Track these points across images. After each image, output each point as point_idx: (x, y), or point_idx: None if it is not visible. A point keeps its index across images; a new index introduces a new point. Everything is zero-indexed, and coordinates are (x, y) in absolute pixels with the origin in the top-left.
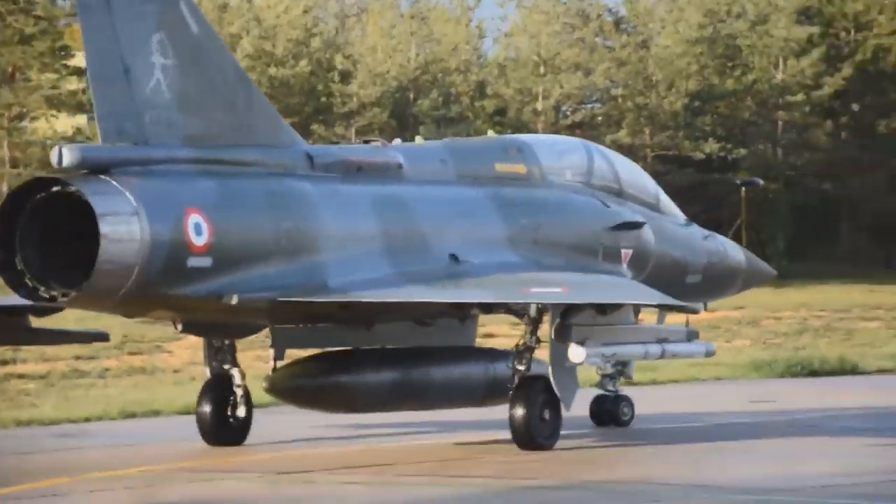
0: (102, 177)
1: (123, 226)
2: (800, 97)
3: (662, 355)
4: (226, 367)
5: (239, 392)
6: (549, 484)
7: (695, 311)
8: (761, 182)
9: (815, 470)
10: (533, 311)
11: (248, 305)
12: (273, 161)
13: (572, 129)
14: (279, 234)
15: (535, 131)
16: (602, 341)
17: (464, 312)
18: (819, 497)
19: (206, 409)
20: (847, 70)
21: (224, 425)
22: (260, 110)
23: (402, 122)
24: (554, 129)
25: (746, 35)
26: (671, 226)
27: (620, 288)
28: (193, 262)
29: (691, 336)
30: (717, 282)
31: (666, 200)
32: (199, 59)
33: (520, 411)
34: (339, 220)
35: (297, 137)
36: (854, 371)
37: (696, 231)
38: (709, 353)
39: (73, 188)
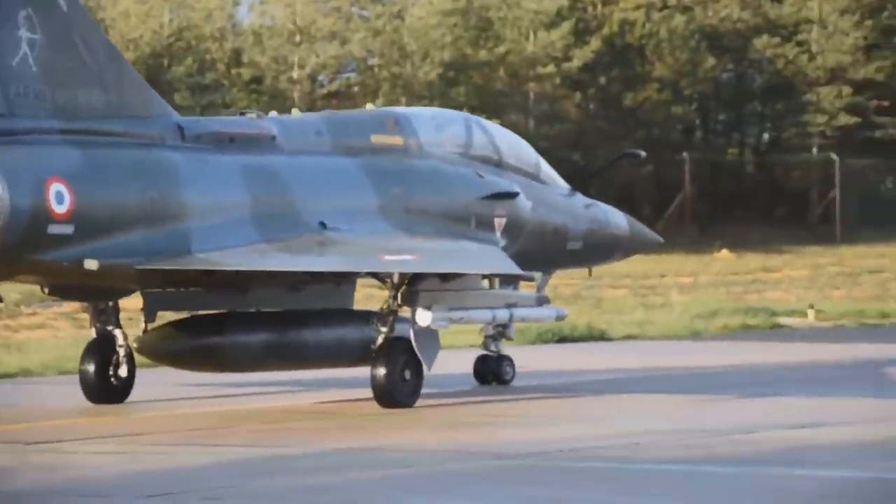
0: None
1: None
2: (550, 69)
3: (511, 319)
4: (109, 328)
5: (121, 352)
6: (297, 452)
7: (531, 279)
8: (643, 154)
9: (565, 434)
10: (396, 276)
11: (108, 271)
12: (142, 132)
13: (329, 99)
14: (143, 203)
15: (292, 100)
16: (449, 306)
17: (340, 277)
18: (567, 460)
19: (90, 368)
20: (595, 43)
21: (106, 384)
22: (130, 85)
23: (156, 88)
24: (311, 98)
25: (498, 7)
26: (552, 195)
27: (467, 257)
28: (54, 229)
29: (541, 301)
30: (599, 248)
31: (548, 170)
32: (68, 36)
33: (381, 371)
34: (207, 190)
35: (169, 110)
36: (602, 337)
37: (579, 200)
38: (559, 317)
39: None
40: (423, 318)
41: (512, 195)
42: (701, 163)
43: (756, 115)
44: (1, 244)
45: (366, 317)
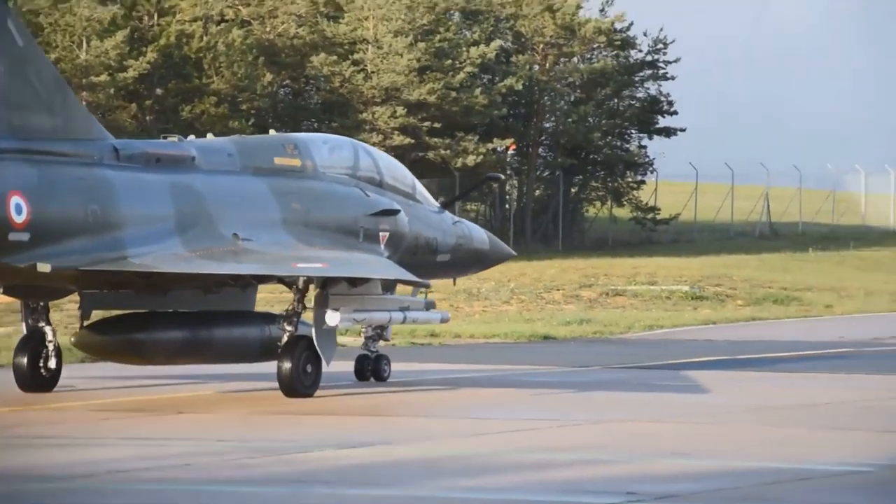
0: None
1: None
2: (104, 78)
3: (404, 321)
4: (40, 324)
5: (50, 346)
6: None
7: (426, 286)
8: (503, 176)
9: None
10: (300, 282)
11: (58, 273)
12: (84, 153)
13: None
14: (87, 214)
15: None
16: (353, 308)
17: (243, 282)
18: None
19: (22, 360)
20: (152, 54)
21: (36, 375)
22: (74, 111)
23: None
24: None
25: (48, 12)
26: (425, 212)
27: (369, 265)
28: (14, 236)
29: (429, 306)
30: (464, 261)
31: (421, 190)
32: (23, 67)
33: (286, 365)
34: (139, 203)
35: (106, 134)
36: None
37: (447, 217)
38: (444, 320)
39: None
40: (333, 318)
41: (394, 212)
42: None
43: (313, 132)
44: None
45: (268, 318)
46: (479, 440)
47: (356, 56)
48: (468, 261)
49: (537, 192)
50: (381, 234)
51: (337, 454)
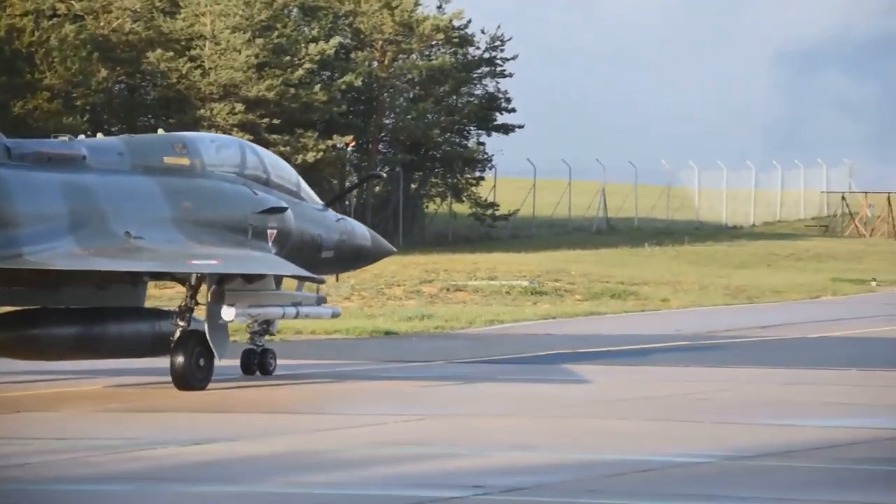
0: None
1: None
2: None
3: (297, 316)
4: None
5: None
6: None
7: (321, 282)
8: (384, 175)
9: None
10: (193, 278)
11: None
12: None
13: None
14: None
15: None
16: (248, 303)
17: (136, 279)
18: None
19: None
20: None
21: None
22: None
23: None
24: None
25: None
26: (310, 210)
27: (264, 261)
28: None
29: (320, 301)
30: (348, 257)
31: (306, 188)
32: None
33: (179, 359)
34: (32, 202)
35: None
36: None
37: (331, 214)
38: (335, 315)
39: None
40: (228, 313)
41: (282, 209)
42: None
43: (150, 129)
44: None
45: (158, 314)
46: (327, 435)
47: (193, 52)
48: (351, 257)
49: (377, 189)
50: (268, 231)
51: (184, 450)
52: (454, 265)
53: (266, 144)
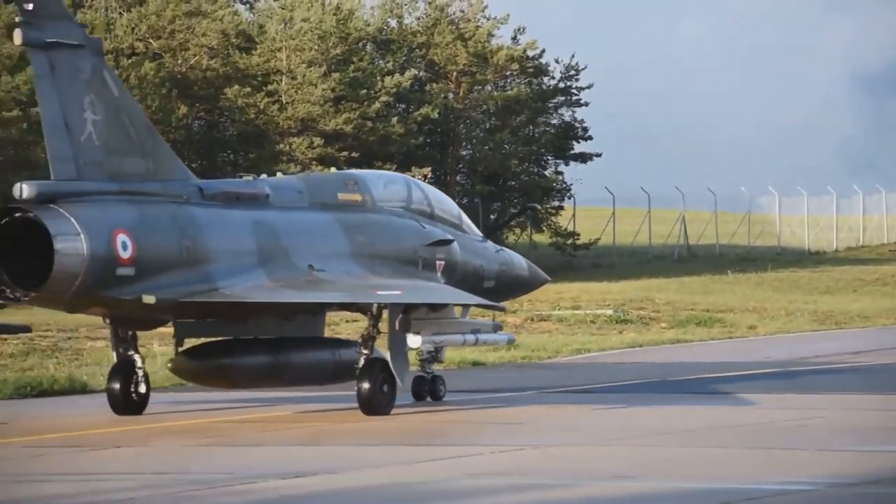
0: (51, 206)
1: (70, 244)
2: (16, 113)
3: (476, 342)
4: (130, 353)
5: (140, 373)
6: None
7: (503, 310)
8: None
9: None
10: (375, 308)
11: (161, 304)
12: (174, 192)
13: None
14: (182, 249)
15: None
16: (433, 331)
17: (319, 310)
18: None
19: (115, 386)
20: None
21: (128, 400)
22: (162, 153)
23: None
24: None
25: None
26: (471, 241)
27: (443, 291)
28: (121, 271)
29: (496, 328)
30: (508, 286)
31: (467, 221)
32: (118, 115)
33: (365, 385)
34: (224, 239)
35: (189, 174)
36: (84, 390)
37: (490, 245)
38: (510, 341)
39: (31, 214)
40: (414, 341)
41: (448, 241)
42: None
43: (230, 164)
44: (83, 284)
45: (339, 343)
46: (427, 466)
47: (270, 87)
48: (511, 286)
49: None
50: (437, 262)
51: (284, 483)
52: (537, 295)
53: None
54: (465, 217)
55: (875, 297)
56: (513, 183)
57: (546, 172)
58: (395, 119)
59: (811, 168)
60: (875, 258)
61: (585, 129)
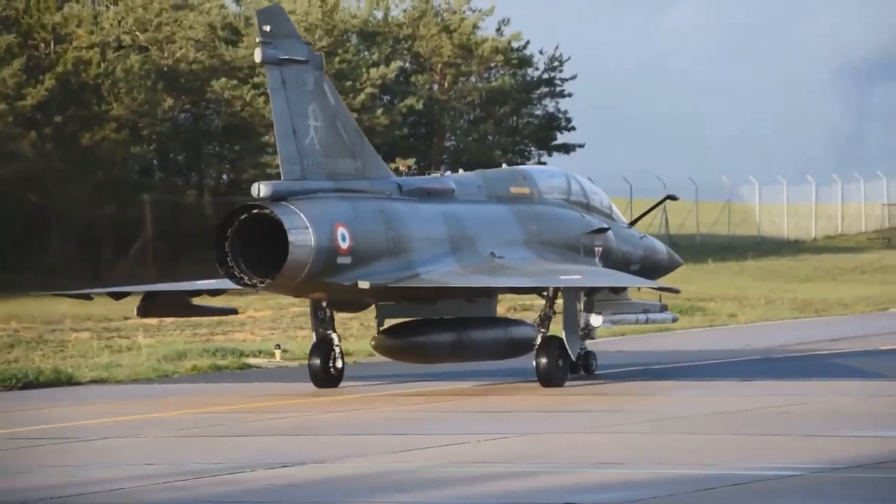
0: (284, 203)
1: (301, 236)
2: (2, 107)
3: (647, 321)
4: (328, 332)
5: (337, 350)
6: None
7: (677, 292)
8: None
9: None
10: (551, 291)
11: (373, 289)
12: (378, 189)
13: None
14: (388, 240)
15: None
16: (612, 311)
17: (496, 293)
18: None
19: (316, 362)
20: (49, 81)
21: (327, 374)
22: (368, 154)
23: None
24: None
25: None
26: (620, 229)
27: (619, 276)
28: (340, 260)
29: (663, 309)
30: (650, 269)
31: (615, 210)
32: (334, 122)
33: (543, 360)
34: (422, 230)
35: (388, 172)
36: (70, 381)
37: (635, 233)
38: (674, 320)
39: (267, 211)
40: (596, 320)
41: (605, 230)
42: (160, 204)
43: (215, 156)
44: (310, 272)
45: (510, 322)
46: (414, 455)
47: (256, 80)
48: (653, 269)
49: None
50: (595, 248)
51: (269, 473)
52: None
53: None
54: (614, 207)
55: (853, 284)
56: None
57: (530, 163)
58: (379, 110)
59: (791, 157)
60: (853, 246)
61: (569, 120)
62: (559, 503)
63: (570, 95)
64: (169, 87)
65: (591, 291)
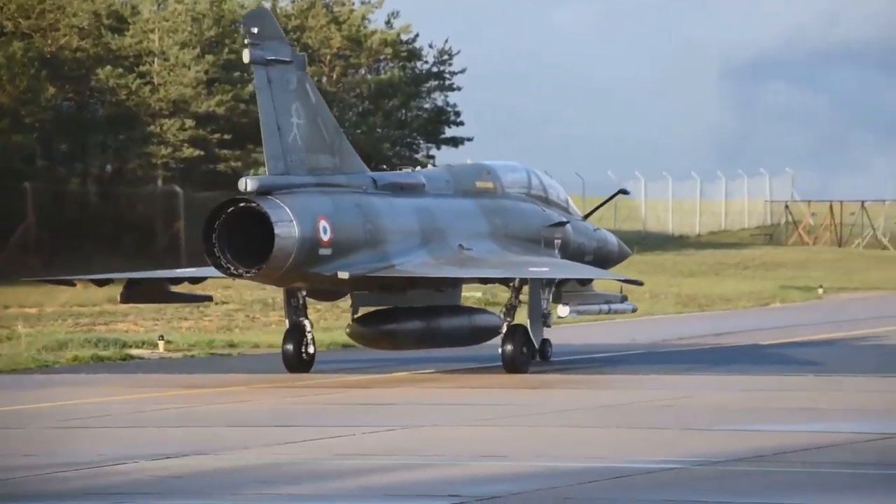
0: (269, 197)
1: (286, 229)
2: None
3: (609, 311)
4: (301, 319)
5: (309, 336)
6: None
7: (640, 284)
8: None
9: None
10: (518, 282)
11: (351, 279)
12: (356, 184)
13: None
14: (365, 233)
15: None
16: (577, 302)
17: (461, 283)
18: None
19: (289, 347)
20: None
21: (299, 359)
22: (346, 150)
23: None
24: None
25: None
26: (577, 222)
27: (584, 268)
28: (322, 251)
29: (623, 299)
30: (602, 260)
31: (571, 204)
32: (315, 119)
33: (508, 347)
34: (396, 223)
35: (364, 167)
36: None
37: (589, 225)
38: (633, 310)
39: (254, 204)
40: (563, 310)
41: (564, 223)
42: (43, 192)
43: (99, 146)
44: (294, 262)
45: (474, 311)
46: (299, 447)
47: (142, 69)
48: (605, 260)
49: None
50: (555, 241)
51: (153, 465)
52: None
53: (217, 160)
54: (570, 201)
55: (737, 280)
56: (384, 167)
57: (418, 156)
58: None
59: (677, 154)
60: (737, 242)
61: (458, 114)
62: (444, 495)
63: (459, 89)
64: (52, 75)
65: (560, 283)
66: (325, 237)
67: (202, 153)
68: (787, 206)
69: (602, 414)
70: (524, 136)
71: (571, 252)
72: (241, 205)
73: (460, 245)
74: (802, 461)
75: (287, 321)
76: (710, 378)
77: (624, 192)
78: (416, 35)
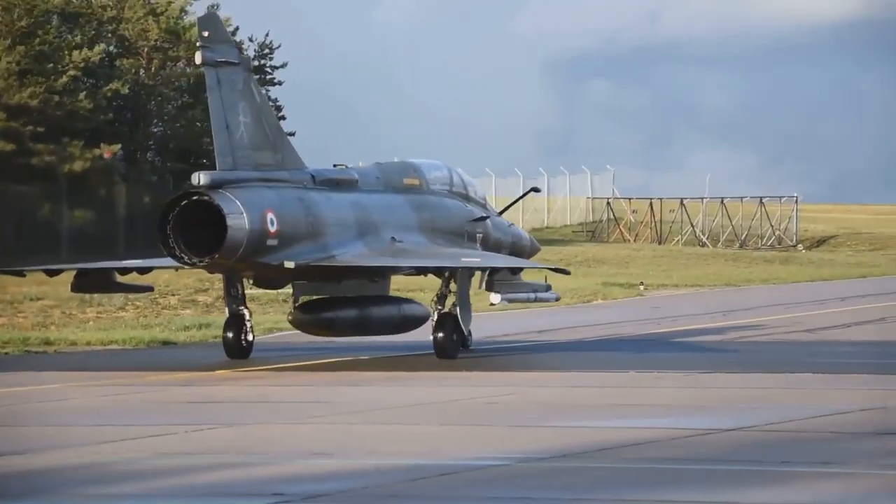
0: (220, 191)
1: (237, 220)
2: None
3: (536, 300)
4: (240, 308)
5: (248, 325)
6: None
7: (567, 273)
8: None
9: None
10: (448, 272)
11: (297, 269)
12: (296, 179)
13: None
14: (308, 225)
15: None
16: (507, 291)
17: (392, 273)
18: None
19: (229, 335)
20: None
21: (239, 346)
22: (287, 148)
23: None
24: None
25: None
26: (494, 218)
27: (514, 259)
28: (269, 242)
29: (548, 288)
30: (516, 254)
31: (489, 201)
32: (260, 118)
33: (440, 335)
34: (334, 216)
35: (303, 163)
36: None
37: (505, 221)
38: (557, 299)
39: (206, 198)
40: (495, 298)
41: (485, 218)
42: None
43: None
44: (244, 252)
45: (402, 300)
46: (117, 447)
47: None
48: (518, 254)
49: (147, 199)
50: (477, 235)
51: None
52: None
53: (30, 153)
54: (487, 198)
55: (558, 277)
56: (205, 161)
57: None
58: (83, 94)
59: (499, 151)
60: (559, 239)
61: (280, 108)
62: (267, 494)
63: (280, 83)
64: None
65: (492, 272)
66: (272, 228)
67: (14, 147)
68: (608, 204)
69: (426, 411)
70: (348, 130)
71: (491, 246)
72: (195, 198)
73: (392, 238)
74: (625, 456)
75: (227, 310)
76: (533, 375)
77: (536, 189)
78: (237, 28)
